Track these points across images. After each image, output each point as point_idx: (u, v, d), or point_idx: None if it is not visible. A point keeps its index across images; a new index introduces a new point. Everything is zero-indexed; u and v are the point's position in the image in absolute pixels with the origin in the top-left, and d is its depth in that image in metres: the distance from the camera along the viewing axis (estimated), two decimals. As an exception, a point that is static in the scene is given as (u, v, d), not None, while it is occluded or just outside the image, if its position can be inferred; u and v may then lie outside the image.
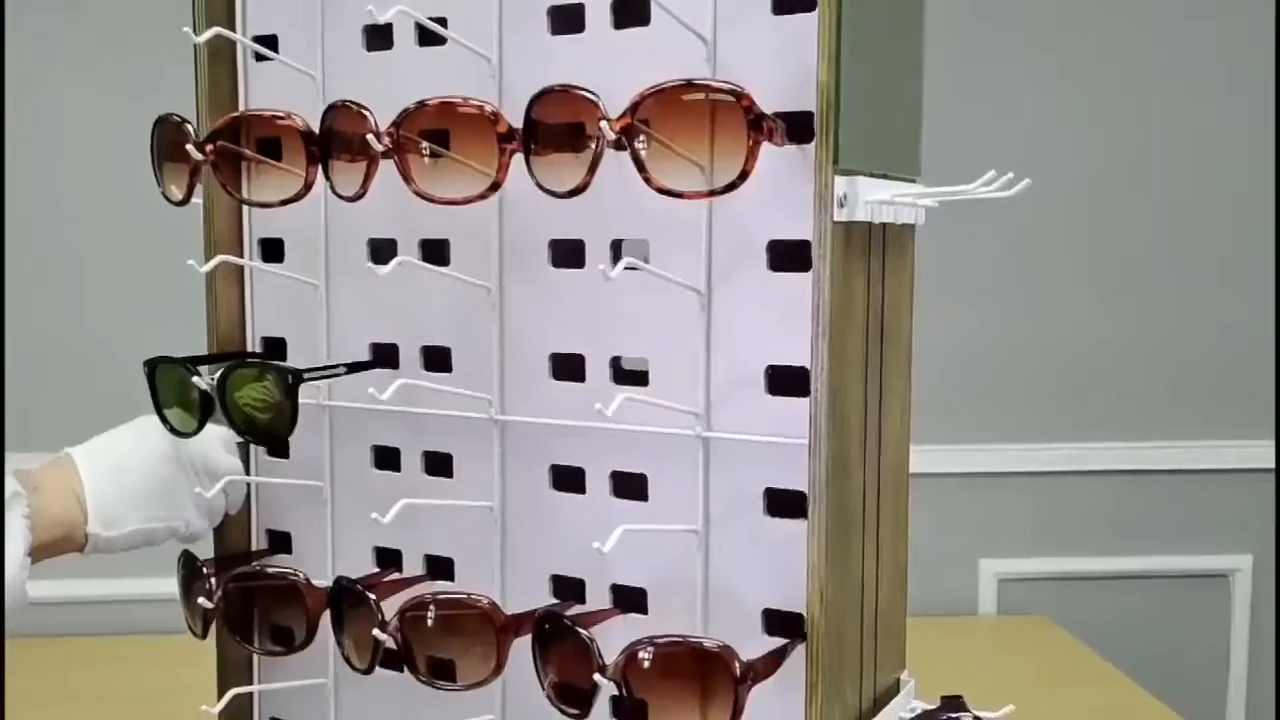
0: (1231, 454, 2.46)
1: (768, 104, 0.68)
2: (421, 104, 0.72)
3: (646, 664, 0.64)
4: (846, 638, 0.71)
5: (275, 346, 0.92)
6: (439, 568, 0.86)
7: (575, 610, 0.78)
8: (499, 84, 0.78)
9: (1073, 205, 2.41)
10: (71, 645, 2.13)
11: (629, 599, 0.78)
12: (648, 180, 0.65)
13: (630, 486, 0.78)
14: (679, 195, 0.65)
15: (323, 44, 0.87)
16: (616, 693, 0.65)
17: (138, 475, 0.85)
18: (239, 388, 0.81)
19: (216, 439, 0.88)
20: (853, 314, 0.70)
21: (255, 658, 0.93)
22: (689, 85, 0.64)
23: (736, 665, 0.63)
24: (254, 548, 0.94)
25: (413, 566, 0.86)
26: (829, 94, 0.64)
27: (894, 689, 0.79)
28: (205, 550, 0.93)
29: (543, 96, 0.67)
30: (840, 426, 0.69)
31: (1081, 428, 2.40)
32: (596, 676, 0.64)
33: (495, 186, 0.71)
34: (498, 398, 0.80)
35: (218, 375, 0.81)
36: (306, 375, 0.82)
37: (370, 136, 0.71)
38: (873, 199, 0.68)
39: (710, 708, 0.64)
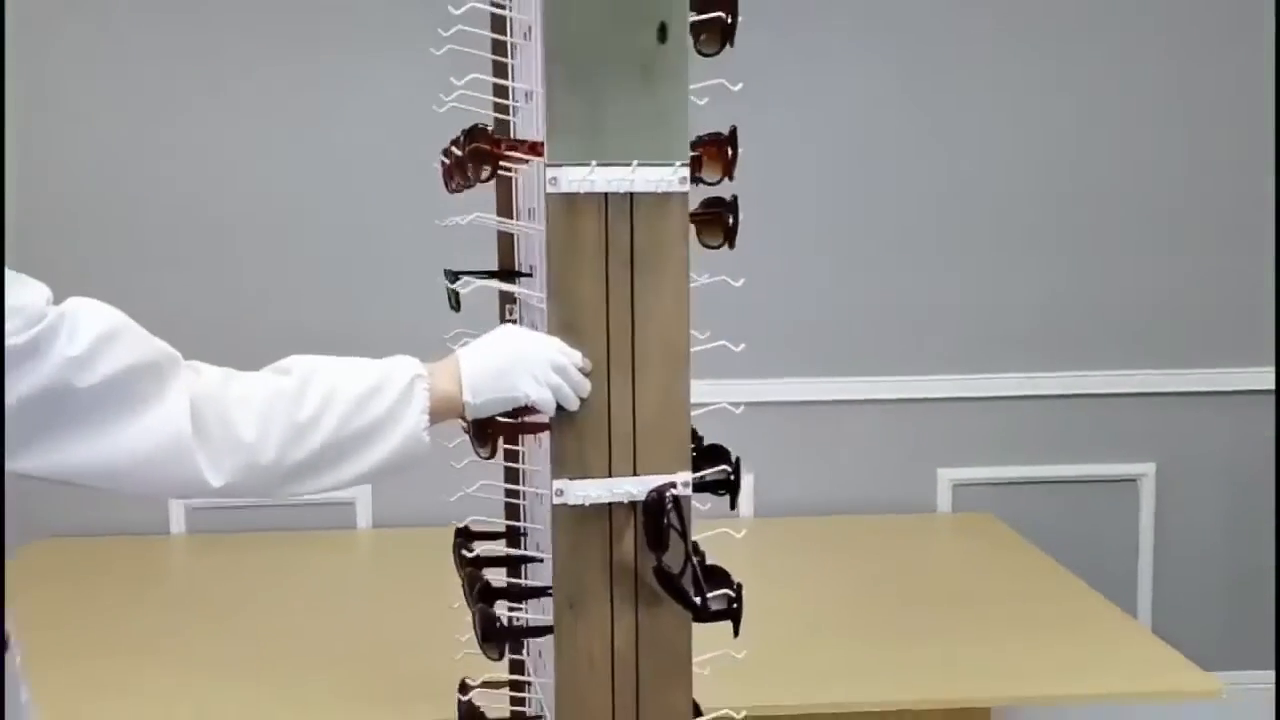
0: (1139, 380, 2.50)
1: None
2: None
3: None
4: (587, 430, 0.95)
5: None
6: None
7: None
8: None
9: (1033, 185, 2.45)
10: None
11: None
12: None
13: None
14: (470, 186, 0.91)
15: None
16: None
17: (494, 365, 0.94)
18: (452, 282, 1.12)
19: (554, 350, 0.95)
20: (582, 245, 0.94)
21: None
22: (472, 129, 0.90)
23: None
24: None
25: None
26: (545, 122, 0.88)
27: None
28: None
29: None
30: (569, 305, 0.93)
31: (1021, 361, 2.47)
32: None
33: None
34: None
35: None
36: (461, 275, 1.10)
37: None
38: (577, 178, 0.91)
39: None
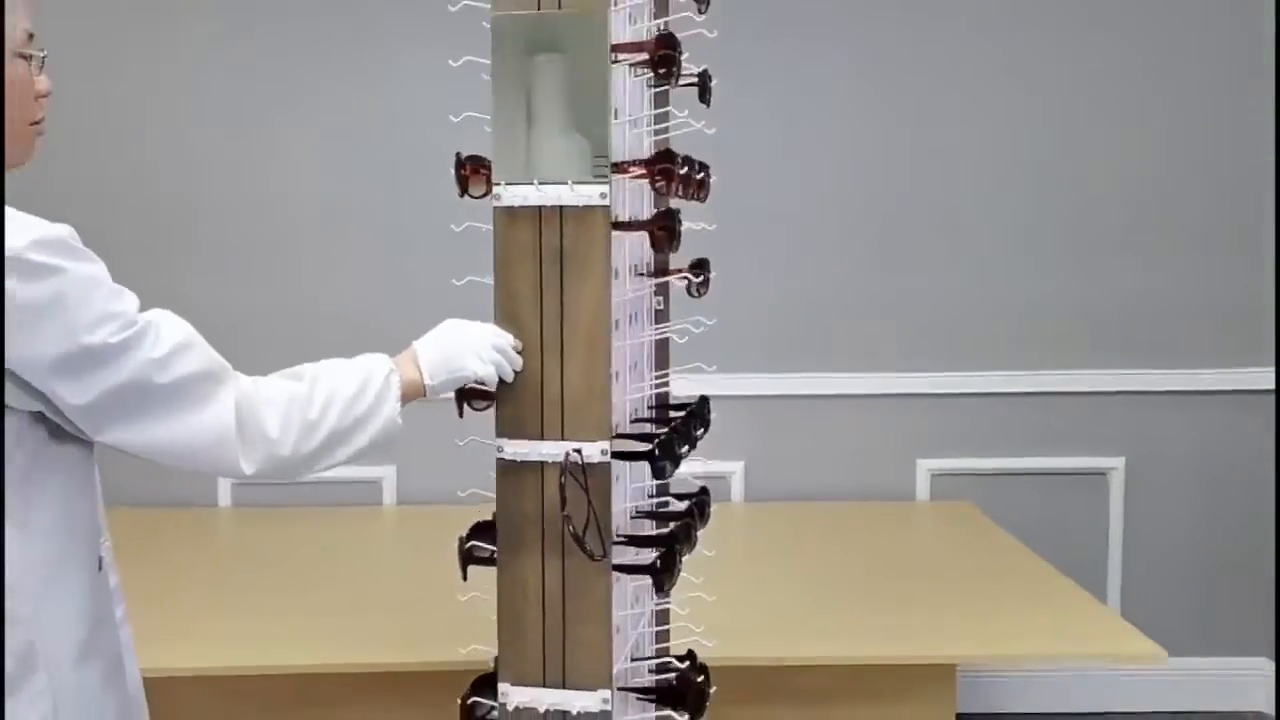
0: (1110, 379, 2.62)
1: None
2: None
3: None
4: (524, 399, 1.16)
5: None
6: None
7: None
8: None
9: (1014, 191, 2.61)
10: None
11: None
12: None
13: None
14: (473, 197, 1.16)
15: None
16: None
17: (444, 351, 1.16)
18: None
19: (490, 334, 1.17)
20: (519, 248, 1.16)
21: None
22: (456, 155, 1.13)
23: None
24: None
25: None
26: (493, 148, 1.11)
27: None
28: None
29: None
30: (509, 297, 1.16)
31: (998, 360, 2.61)
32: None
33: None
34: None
35: None
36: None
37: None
38: (515, 194, 1.13)
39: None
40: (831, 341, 2.60)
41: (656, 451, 1.25)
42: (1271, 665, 2.64)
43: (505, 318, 1.17)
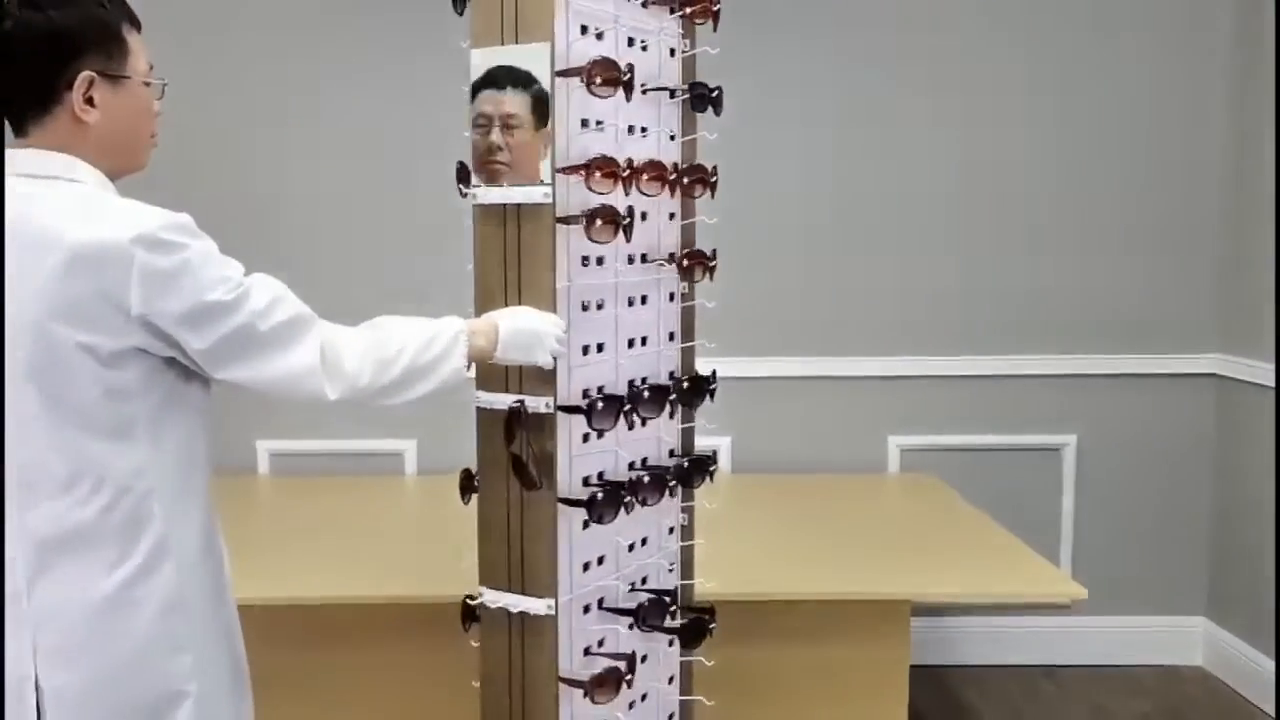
0: (1064, 364, 2.89)
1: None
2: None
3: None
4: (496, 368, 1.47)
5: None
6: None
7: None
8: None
9: (979, 190, 2.87)
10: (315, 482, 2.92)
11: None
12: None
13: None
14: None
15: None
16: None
17: (520, 343, 1.44)
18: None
19: (554, 329, 1.46)
20: (492, 237, 1.48)
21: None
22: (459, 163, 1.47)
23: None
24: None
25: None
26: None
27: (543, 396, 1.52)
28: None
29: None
30: (484, 274, 1.49)
31: (963, 345, 2.90)
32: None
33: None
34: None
35: None
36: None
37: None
38: (483, 195, 1.46)
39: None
40: (812, 327, 2.89)
41: (598, 406, 1.56)
42: (1208, 623, 2.90)
43: (483, 287, 1.50)
